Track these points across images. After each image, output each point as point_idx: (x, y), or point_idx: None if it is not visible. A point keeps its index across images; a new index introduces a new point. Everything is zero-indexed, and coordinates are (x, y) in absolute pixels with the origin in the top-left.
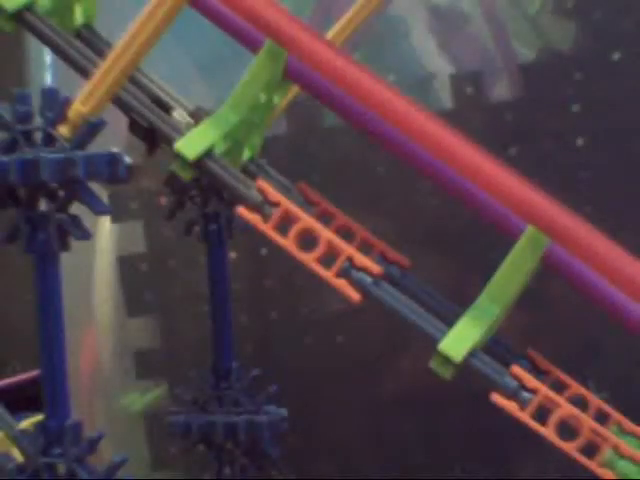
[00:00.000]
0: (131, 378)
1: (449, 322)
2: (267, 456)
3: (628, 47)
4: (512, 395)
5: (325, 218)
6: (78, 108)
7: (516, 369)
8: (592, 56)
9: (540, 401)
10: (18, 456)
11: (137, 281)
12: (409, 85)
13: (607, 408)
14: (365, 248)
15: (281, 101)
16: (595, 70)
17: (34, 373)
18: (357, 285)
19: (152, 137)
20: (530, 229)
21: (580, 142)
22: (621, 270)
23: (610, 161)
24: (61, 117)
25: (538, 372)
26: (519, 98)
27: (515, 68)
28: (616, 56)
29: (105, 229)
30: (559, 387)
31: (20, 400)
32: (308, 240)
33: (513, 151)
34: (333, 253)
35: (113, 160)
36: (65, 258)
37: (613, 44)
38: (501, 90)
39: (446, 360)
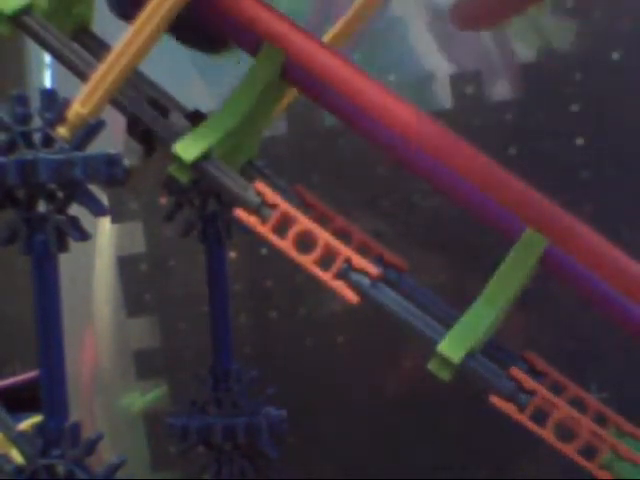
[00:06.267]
0: (131, 378)
1: (447, 324)
2: (266, 457)
3: (628, 47)
4: (511, 397)
5: (323, 220)
6: (77, 109)
7: (515, 371)
8: (592, 56)
9: (538, 403)
10: (17, 457)
11: (137, 281)
12: (409, 85)
13: (606, 410)
14: (363, 250)
15: (280, 103)
16: (595, 70)
17: (33, 374)
18: (355, 287)
19: (150, 139)
20: (529, 230)
21: (580, 142)
22: (620, 271)
23: (610, 161)
24: (60, 118)
25: (536, 374)
26: (519, 98)
27: (515, 68)
28: (616, 56)
29: (105, 229)
30: (557, 389)
31: (19, 401)
32: (306, 242)
33: (513, 151)
34: (331, 255)
35: (111, 161)
36: (65, 258)
37: (613, 44)
38: (501, 90)
39: (444, 361)
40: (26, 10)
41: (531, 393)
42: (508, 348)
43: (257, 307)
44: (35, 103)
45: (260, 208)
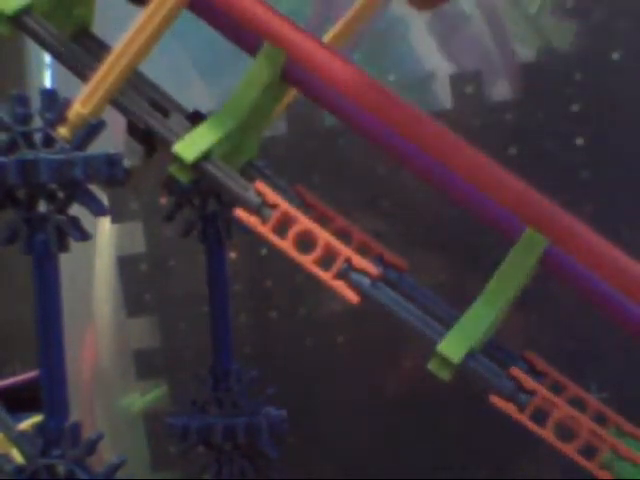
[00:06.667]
0: (131, 378)
1: (447, 324)
2: (266, 457)
3: (628, 47)
4: (511, 397)
5: (323, 220)
6: (77, 109)
7: (515, 371)
8: (592, 56)
9: (538, 403)
10: (17, 457)
11: (137, 281)
12: (409, 85)
13: (605, 409)
14: (363, 250)
15: (280, 103)
16: (595, 70)
17: (33, 374)
18: (355, 287)
19: (150, 140)
20: (529, 230)
21: (580, 142)
22: (621, 271)
23: (610, 161)
24: (60, 118)
25: (536, 374)
26: (519, 98)
27: (515, 68)
28: (616, 56)
29: (105, 229)
30: (557, 389)
31: (19, 401)
32: (306, 242)
33: (513, 151)
34: (331, 255)
35: (112, 162)
36: (65, 258)
37: (613, 44)
38: (501, 90)
39: (444, 361)
40: (26, 10)
41: (531, 393)
42: (508, 348)
43: (257, 307)
44: (35, 103)
45: (260, 208)
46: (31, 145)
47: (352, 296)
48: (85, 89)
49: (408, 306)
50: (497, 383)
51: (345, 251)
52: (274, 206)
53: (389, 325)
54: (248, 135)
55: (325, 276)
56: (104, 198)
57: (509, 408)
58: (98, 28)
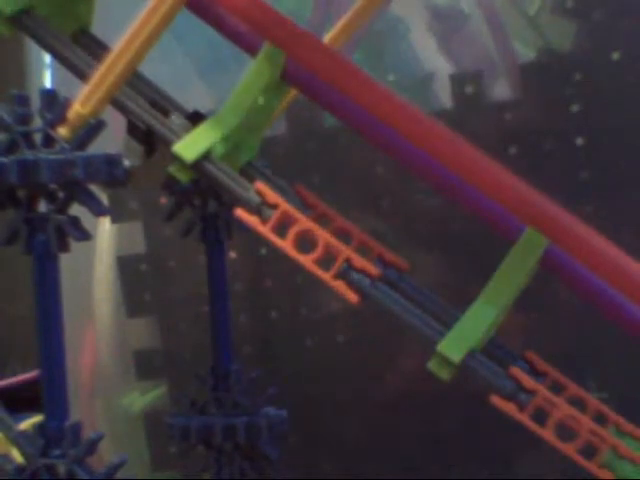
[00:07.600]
0: (131, 378)
1: (447, 324)
2: (266, 457)
3: (628, 47)
4: (511, 396)
5: (323, 220)
6: (77, 109)
7: (515, 370)
8: (592, 56)
9: (539, 402)
10: (17, 457)
11: (137, 281)
12: (409, 85)
13: (605, 409)
14: (363, 250)
15: (280, 103)
16: (595, 70)
17: (33, 374)
18: (355, 287)
19: (150, 139)
20: (529, 230)
21: (580, 142)
22: (621, 271)
23: (610, 161)
24: (60, 118)
25: (536, 374)
26: (519, 98)
27: (515, 68)
28: (616, 56)
29: (105, 229)
30: (557, 388)
31: (19, 401)
32: (306, 242)
33: (513, 151)
34: (331, 255)
35: (112, 162)
36: (65, 258)
37: (613, 44)
38: (501, 90)
39: (444, 361)
40: (26, 10)
41: (531, 393)
42: (508, 348)
43: (257, 307)
44: (35, 103)
45: (260, 208)
46: (31, 145)
47: (352, 296)
48: (84, 89)
49: (408, 306)
50: (497, 383)
51: (345, 251)
52: (274, 206)
53: (389, 325)
54: (248, 135)
55: (325, 276)
56: (104, 198)
57: (509, 408)
58: (98, 28)
